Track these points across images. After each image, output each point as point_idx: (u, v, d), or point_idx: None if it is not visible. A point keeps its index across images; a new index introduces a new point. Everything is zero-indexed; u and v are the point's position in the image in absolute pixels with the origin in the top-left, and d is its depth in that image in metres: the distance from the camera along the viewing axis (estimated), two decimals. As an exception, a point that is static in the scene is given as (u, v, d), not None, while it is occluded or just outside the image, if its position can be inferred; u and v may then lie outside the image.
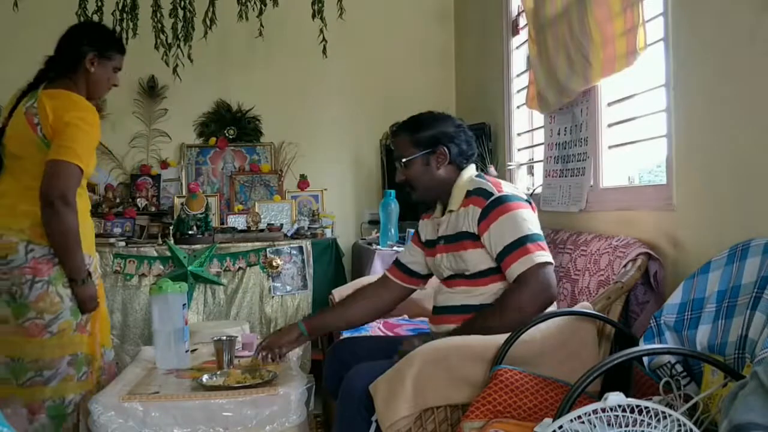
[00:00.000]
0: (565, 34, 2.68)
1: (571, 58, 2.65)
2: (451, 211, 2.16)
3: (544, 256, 2.01)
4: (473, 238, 2.08)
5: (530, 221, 2.06)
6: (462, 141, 2.19)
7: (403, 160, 2.19)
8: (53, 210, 2.10)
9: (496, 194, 2.06)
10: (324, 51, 3.84)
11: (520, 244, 2.00)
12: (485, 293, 2.09)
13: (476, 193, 2.10)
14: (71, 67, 2.31)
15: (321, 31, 3.79)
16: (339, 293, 3.04)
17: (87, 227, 2.31)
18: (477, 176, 2.18)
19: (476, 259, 2.09)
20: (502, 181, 2.16)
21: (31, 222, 2.16)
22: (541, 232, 2.07)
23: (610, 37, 2.37)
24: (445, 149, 2.16)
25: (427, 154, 2.17)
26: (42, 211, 2.13)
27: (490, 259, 2.08)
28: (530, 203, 2.13)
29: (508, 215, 2.03)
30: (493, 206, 2.05)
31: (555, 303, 2.11)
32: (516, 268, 1.99)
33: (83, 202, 2.30)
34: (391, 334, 2.72)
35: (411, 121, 2.23)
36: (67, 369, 2.18)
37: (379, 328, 2.77)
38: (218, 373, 2.13)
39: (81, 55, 2.31)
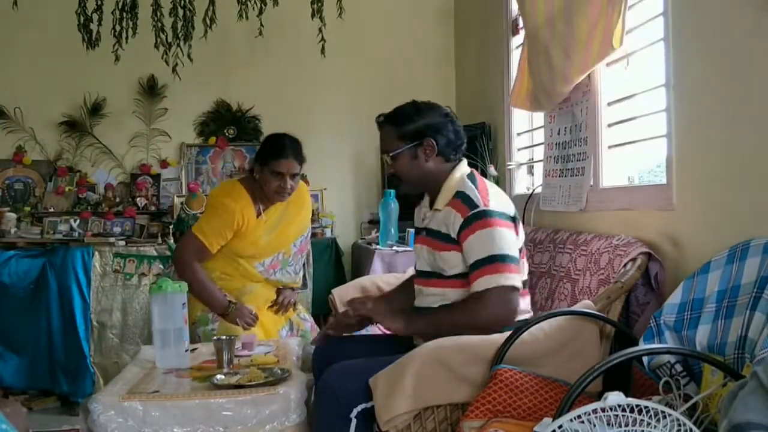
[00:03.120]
0: (546, 35, 2.72)
1: (552, 60, 2.68)
2: (437, 209, 2.12)
3: (512, 279, 1.96)
4: (453, 242, 2.04)
5: (507, 241, 1.99)
6: (450, 131, 2.13)
7: (390, 154, 2.14)
8: (175, 268, 2.79)
9: (481, 207, 2.00)
10: (323, 50, 3.84)
11: (491, 261, 1.95)
12: (461, 295, 2.06)
13: (462, 199, 2.04)
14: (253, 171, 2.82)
15: (320, 30, 3.79)
16: (339, 293, 3.04)
17: (246, 290, 2.81)
18: (469, 176, 2.12)
19: (453, 261, 2.05)
20: (491, 191, 2.09)
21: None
22: (517, 255, 2.01)
23: (592, 34, 2.40)
24: (433, 141, 2.10)
25: (414, 147, 2.11)
26: None
27: (465, 264, 2.04)
28: (515, 221, 2.07)
29: (488, 231, 1.97)
30: (475, 218, 2.00)
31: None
32: (481, 283, 1.96)
33: (231, 267, 2.78)
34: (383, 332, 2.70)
35: (396, 113, 2.15)
36: None
37: (378, 327, 2.76)
38: (236, 371, 2.11)
39: (252, 165, 2.81)
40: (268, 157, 2.68)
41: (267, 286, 2.87)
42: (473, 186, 2.07)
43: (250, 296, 2.81)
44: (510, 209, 2.08)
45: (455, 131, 2.15)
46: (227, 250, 2.76)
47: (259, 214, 2.75)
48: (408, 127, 2.11)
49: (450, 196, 2.08)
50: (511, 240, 2.01)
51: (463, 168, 2.16)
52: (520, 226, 2.13)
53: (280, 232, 2.83)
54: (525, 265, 2.16)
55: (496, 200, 2.06)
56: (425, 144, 2.11)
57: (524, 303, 2.12)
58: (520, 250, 2.11)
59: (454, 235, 2.03)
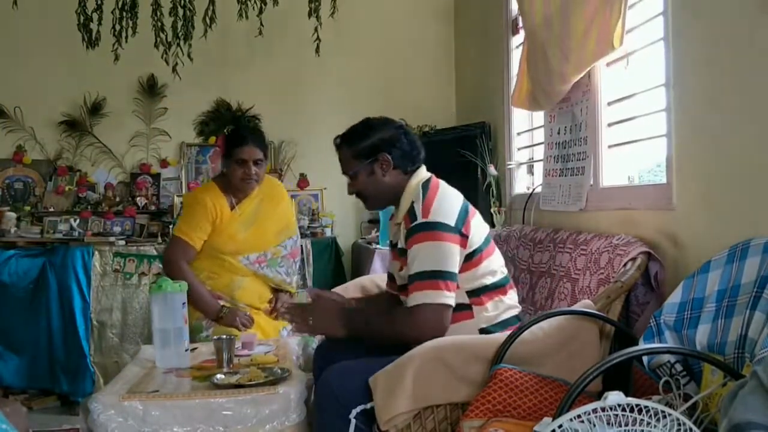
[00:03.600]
0: (544, 35, 2.73)
1: (549, 60, 2.68)
2: (398, 223, 2.14)
3: (447, 297, 1.96)
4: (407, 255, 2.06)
5: (447, 256, 1.98)
6: (404, 143, 2.14)
7: (349, 173, 2.17)
8: (165, 273, 2.70)
9: (419, 220, 2.00)
10: (317, 50, 3.84)
11: (429, 276, 1.96)
12: None
13: (410, 211, 2.06)
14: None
15: (315, 30, 3.79)
16: (338, 292, 3.03)
17: (235, 285, 2.83)
18: (423, 184, 2.10)
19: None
20: (438, 199, 2.05)
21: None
22: (455, 270, 1.99)
23: (588, 34, 2.40)
24: (387, 155, 2.12)
25: (370, 163, 2.13)
26: None
27: None
28: (459, 232, 2.01)
29: (428, 244, 1.98)
30: (417, 230, 2.00)
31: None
32: (415, 298, 1.96)
33: (217, 264, 2.82)
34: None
35: (349, 132, 2.19)
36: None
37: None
38: (236, 371, 2.10)
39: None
40: (231, 148, 2.78)
41: (257, 281, 2.88)
42: (422, 196, 2.06)
43: (240, 292, 2.83)
44: (452, 218, 2.02)
45: (410, 142, 2.16)
46: (210, 248, 2.79)
47: (232, 207, 2.82)
48: (362, 145, 2.14)
49: (406, 208, 2.09)
50: (451, 254, 1.99)
51: (420, 175, 2.15)
52: (474, 225, 2.07)
53: (258, 227, 2.85)
54: (499, 258, 2.15)
55: (439, 210, 2.02)
56: (380, 159, 2.13)
57: (510, 299, 2.12)
58: (488, 242, 2.10)
59: (405, 246, 2.06)
